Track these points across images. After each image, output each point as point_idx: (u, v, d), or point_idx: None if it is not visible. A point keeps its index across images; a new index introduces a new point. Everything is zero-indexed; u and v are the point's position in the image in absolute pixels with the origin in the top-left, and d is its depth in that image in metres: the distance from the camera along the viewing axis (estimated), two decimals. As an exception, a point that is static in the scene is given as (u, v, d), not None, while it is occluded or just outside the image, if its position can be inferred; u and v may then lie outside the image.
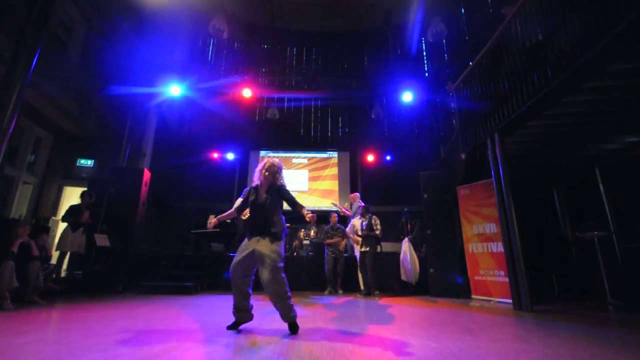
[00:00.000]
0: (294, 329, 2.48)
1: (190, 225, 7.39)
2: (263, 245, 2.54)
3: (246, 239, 2.67)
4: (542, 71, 3.38)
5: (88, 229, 5.49)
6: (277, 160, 2.82)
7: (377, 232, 5.29)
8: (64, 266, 5.51)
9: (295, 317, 2.52)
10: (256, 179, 2.77)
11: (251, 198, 2.70)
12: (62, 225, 5.73)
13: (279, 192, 2.71)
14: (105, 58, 7.15)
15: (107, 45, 7.21)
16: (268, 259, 2.47)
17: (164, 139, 8.74)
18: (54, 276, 4.88)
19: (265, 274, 2.46)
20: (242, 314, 2.60)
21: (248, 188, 2.81)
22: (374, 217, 5.39)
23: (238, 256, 2.59)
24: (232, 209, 2.84)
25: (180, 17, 8.36)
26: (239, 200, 2.83)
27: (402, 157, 9.83)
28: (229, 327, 2.57)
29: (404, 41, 9.83)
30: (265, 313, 3.34)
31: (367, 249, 5.22)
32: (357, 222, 5.77)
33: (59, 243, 5.32)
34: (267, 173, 2.70)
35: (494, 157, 4.28)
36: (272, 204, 2.65)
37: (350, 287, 5.71)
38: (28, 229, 4.15)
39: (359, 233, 5.50)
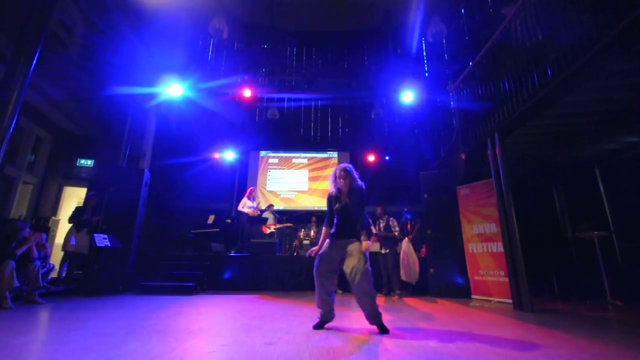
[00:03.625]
0: (383, 328, 2.57)
1: (190, 225, 7.39)
2: (353, 248, 2.65)
3: (330, 240, 2.75)
4: (542, 71, 3.38)
5: (92, 229, 5.54)
6: (344, 164, 2.86)
7: (396, 233, 5.31)
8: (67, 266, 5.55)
9: (381, 317, 2.62)
10: (333, 187, 2.84)
11: (335, 206, 2.77)
12: (62, 226, 5.74)
13: (357, 192, 2.77)
14: (105, 58, 7.14)
15: (107, 45, 7.20)
16: (360, 261, 2.58)
17: (164, 139, 8.73)
18: (49, 277, 4.90)
19: (357, 276, 2.57)
20: (327, 311, 2.69)
21: (329, 197, 2.86)
22: (391, 218, 5.40)
23: (323, 259, 2.68)
24: (325, 227, 2.85)
25: (180, 17, 8.36)
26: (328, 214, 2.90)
27: (402, 157, 9.83)
28: (315, 327, 2.64)
29: (404, 41, 9.83)
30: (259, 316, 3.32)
31: (388, 250, 5.25)
32: None
33: (64, 243, 5.40)
34: (341, 180, 2.76)
35: (494, 157, 4.28)
36: (354, 206, 2.73)
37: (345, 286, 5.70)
38: (39, 236, 4.17)
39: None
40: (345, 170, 2.79)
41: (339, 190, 2.81)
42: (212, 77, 9.27)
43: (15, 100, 4.18)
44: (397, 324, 2.94)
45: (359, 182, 2.82)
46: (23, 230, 4.07)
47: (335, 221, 2.78)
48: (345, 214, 2.74)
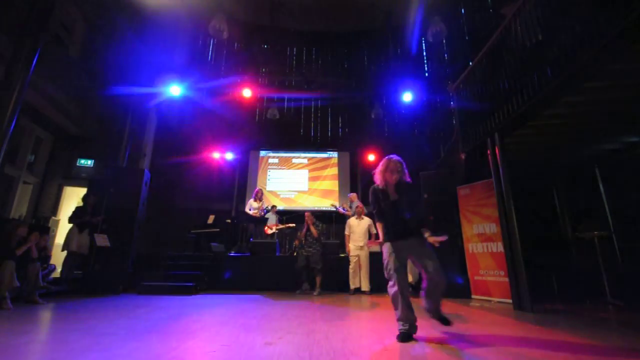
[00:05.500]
0: (447, 321, 2.49)
1: (190, 225, 7.39)
2: (416, 246, 2.44)
3: (391, 245, 2.49)
4: (542, 71, 3.38)
5: (93, 229, 5.55)
6: (395, 156, 2.62)
7: None
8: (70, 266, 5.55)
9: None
10: (379, 180, 2.59)
11: (384, 203, 2.54)
12: (62, 226, 5.75)
13: (408, 188, 2.56)
14: (105, 58, 7.15)
15: (107, 45, 7.21)
16: (430, 256, 2.42)
17: (164, 139, 8.74)
18: (51, 277, 4.90)
19: (436, 270, 2.39)
20: (413, 320, 2.35)
21: (375, 190, 2.61)
22: None
23: (395, 262, 2.40)
24: (379, 222, 2.58)
25: (180, 17, 8.36)
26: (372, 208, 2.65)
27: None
28: (402, 340, 2.27)
29: (404, 41, 9.83)
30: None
31: None
32: (353, 221, 5.80)
33: (65, 244, 5.41)
34: (391, 173, 2.53)
35: (494, 157, 4.28)
36: (406, 201, 2.51)
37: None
38: (37, 236, 4.17)
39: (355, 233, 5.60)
40: (399, 163, 2.55)
41: (386, 183, 2.55)
42: (212, 77, 9.28)
43: (15, 100, 4.18)
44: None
45: (409, 178, 2.60)
46: (22, 230, 4.08)
47: (388, 222, 2.53)
48: (395, 212, 2.50)
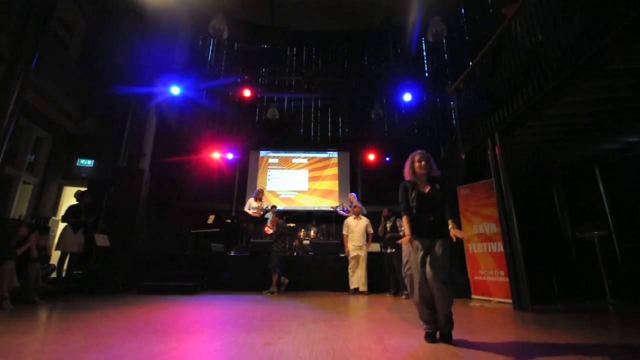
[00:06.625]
0: (449, 338, 2.25)
1: (190, 225, 7.40)
2: (437, 247, 2.32)
3: (415, 240, 2.37)
4: (542, 71, 3.38)
5: (88, 229, 5.51)
6: (419, 150, 2.56)
7: (401, 233, 5.30)
8: (64, 266, 5.53)
9: (452, 326, 2.29)
10: (408, 174, 2.53)
11: (412, 196, 2.43)
12: (62, 225, 5.73)
13: (438, 181, 2.47)
14: (106, 58, 7.15)
15: (107, 45, 7.21)
16: (445, 260, 2.30)
17: (164, 138, 8.74)
18: (50, 277, 4.89)
19: (440, 275, 2.26)
20: (433, 319, 2.31)
21: (403, 184, 2.54)
22: (398, 219, 5.37)
23: (417, 258, 2.31)
24: (404, 215, 2.45)
25: (180, 17, 8.37)
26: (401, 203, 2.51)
27: (402, 157, 9.79)
28: (430, 340, 2.25)
29: (404, 41, 9.84)
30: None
31: (394, 250, 5.23)
32: (351, 221, 5.79)
33: (59, 243, 5.36)
34: (423, 162, 2.44)
35: (494, 157, 4.28)
36: (439, 197, 2.41)
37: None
38: (37, 236, 4.17)
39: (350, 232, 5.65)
40: (424, 154, 2.49)
41: (415, 176, 2.47)
42: (212, 77, 9.29)
43: (15, 100, 4.18)
44: (397, 324, 2.94)
45: (437, 171, 2.51)
46: (23, 230, 4.08)
47: (414, 215, 2.41)
48: (425, 206, 2.38)
